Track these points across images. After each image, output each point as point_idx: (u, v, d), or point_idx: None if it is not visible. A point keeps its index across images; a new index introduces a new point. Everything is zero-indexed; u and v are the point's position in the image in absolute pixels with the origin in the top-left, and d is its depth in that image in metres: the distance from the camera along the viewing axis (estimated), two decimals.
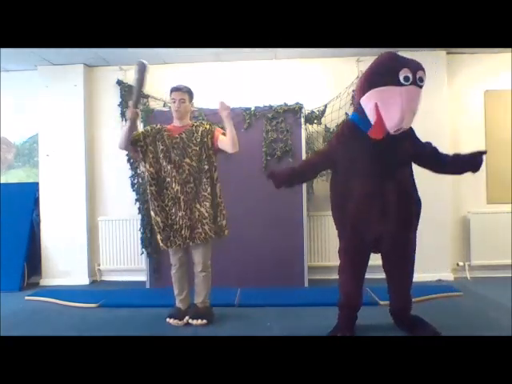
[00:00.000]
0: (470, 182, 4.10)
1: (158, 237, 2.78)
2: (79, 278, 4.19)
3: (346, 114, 4.13)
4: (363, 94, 2.29)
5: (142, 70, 2.60)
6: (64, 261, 4.18)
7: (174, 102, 2.76)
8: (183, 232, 2.71)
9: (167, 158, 2.74)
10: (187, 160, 2.73)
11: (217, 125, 2.97)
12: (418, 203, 2.46)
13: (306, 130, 3.97)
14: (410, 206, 2.40)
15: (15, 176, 4.51)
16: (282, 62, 4.24)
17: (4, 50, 3.58)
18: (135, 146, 2.78)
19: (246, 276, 3.71)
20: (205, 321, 2.75)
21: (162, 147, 2.75)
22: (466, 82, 4.17)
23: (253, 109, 3.90)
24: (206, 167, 2.76)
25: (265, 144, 3.86)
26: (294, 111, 3.88)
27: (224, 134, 2.77)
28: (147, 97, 4.21)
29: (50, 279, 4.19)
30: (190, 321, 2.77)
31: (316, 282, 3.93)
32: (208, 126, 2.83)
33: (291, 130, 3.87)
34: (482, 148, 4.06)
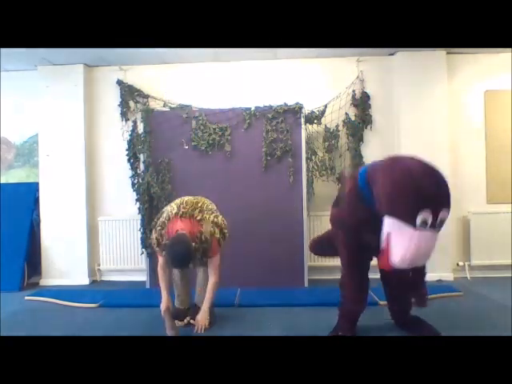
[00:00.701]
0: (470, 182, 4.10)
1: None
2: (79, 278, 4.19)
3: (346, 114, 4.14)
4: (383, 209, 2.03)
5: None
6: (64, 261, 4.19)
7: None
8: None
9: None
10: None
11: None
12: None
13: (305, 130, 3.97)
14: None
15: (15, 176, 4.50)
16: (282, 61, 4.24)
17: (4, 50, 3.58)
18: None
19: (246, 276, 3.71)
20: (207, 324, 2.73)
21: None
22: (466, 82, 4.17)
23: (253, 109, 3.90)
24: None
25: (265, 144, 3.86)
26: (294, 111, 3.88)
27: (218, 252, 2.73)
28: (147, 97, 4.21)
29: (49, 279, 4.19)
30: (192, 321, 2.76)
31: (316, 282, 3.93)
32: (207, 236, 2.64)
33: (291, 130, 3.87)
34: (481, 148, 4.13)
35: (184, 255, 2.45)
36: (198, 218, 2.65)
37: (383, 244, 2.04)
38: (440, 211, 1.93)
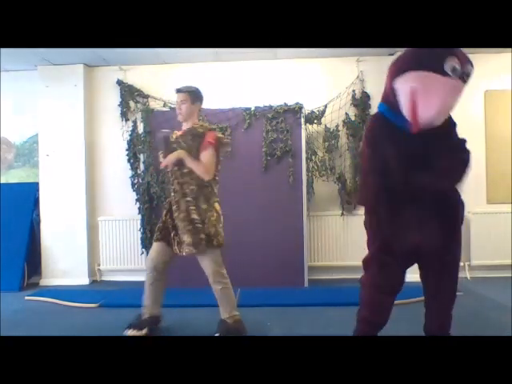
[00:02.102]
0: (470, 182, 4.10)
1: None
2: (79, 278, 4.20)
3: (346, 114, 4.14)
4: (398, 75, 1.93)
5: (166, 140, 2.58)
6: (64, 261, 4.19)
7: (177, 104, 2.66)
8: (170, 236, 2.58)
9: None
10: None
11: (214, 128, 2.84)
12: (461, 206, 2.12)
13: (305, 130, 3.98)
14: (450, 210, 2.04)
15: (15, 176, 4.51)
16: (282, 61, 4.25)
17: (4, 50, 3.58)
18: None
19: (246, 276, 3.71)
20: (217, 334, 2.52)
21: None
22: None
23: (253, 109, 3.90)
24: (193, 174, 2.53)
25: (265, 144, 3.86)
26: (294, 111, 3.89)
27: (211, 144, 2.55)
28: (147, 97, 4.21)
29: (49, 279, 4.20)
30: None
31: (316, 282, 3.93)
32: (201, 130, 2.59)
33: (291, 130, 3.87)
34: (481, 148, 4.13)
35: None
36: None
37: (405, 104, 1.87)
38: (466, 63, 1.85)
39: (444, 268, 2.03)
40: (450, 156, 2.05)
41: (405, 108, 1.89)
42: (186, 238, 2.48)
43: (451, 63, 1.80)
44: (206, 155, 2.51)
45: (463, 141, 2.17)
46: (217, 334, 2.54)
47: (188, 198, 2.53)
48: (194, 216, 2.50)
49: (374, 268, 2.07)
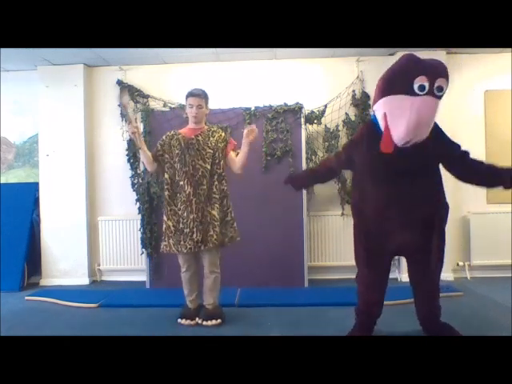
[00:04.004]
0: None
1: (170, 241, 2.75)
2: (79, 278, 4.19)
3: (346, 114, 4.14)
4: (375, 102, 2.14)
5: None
6: (64, 261, 4.19)
7: (192, 108, 2.77)
8: (194, 236, 2.68)
9: (182, 160, 2.74)
10: (201, 162, 2.74)
11: (229, 134, 3.14)
12: (444, 207, 2.25)
13: (305, 130, 3.97)
14: (432, 210, 2.19)
15: (15, 176, 4.50)
16: (281, 61, 4.24)
17: (4, 50, 3.58)
18: (160, 160, 2.83)
19: (246, 276, 3.71)
20: (219, 320, 2.77)
21: (177, 151, 2.76)
22: (466, 82, 4.17)
23: (253, 109, 3.90)
24: (219, 171, 2.79)
25: (265, 144, 3.86)
26: (294, 111, 3.88)
27: (234, 150, 2.85)
28: (147, 97, 4.21)
29: (49, 279, 4.19)
30: (205, 323, 2.75)
31: (316, 282, 3.93)
32: (223, 134, 2.88)
33: (291, 130, 3.87)
34: (481, 148, 4.13)
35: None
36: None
37: (382, 126, 2.05)
38: (437, 78, 1.94)
39: (424, 257, 2.22)
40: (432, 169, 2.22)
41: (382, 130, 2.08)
42: (197, 236, 2.68)
43: (419, 83, 1.93)
44: (245, 156, 2.77)
45: (457, 146, 2.28)
46: (198, 320, 2.79)
47: (215, 196, 2.75)
48: (218, 213, 2.75)
49: (362, 265, 2.32)
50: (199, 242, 2.68)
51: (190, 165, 2.72)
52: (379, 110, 2.09)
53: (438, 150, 2.18)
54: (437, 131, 2.21)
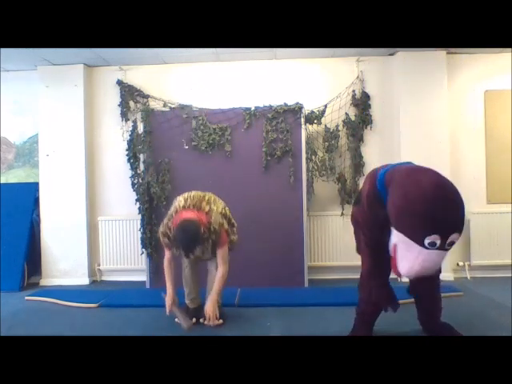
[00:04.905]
0: (470, 182, 4.10)
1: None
2: (79, 278, 4.19)
3: (346, 114, 4.14)
4: (394, 219, 1.97)
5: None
6: (64, 261, 4.19)
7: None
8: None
9: None
10: None
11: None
12: None
13: (305, 130, 3.97)
14: None
15: (15, 176, 4.50)
16: (282, 61, 4.24)
17: (4, 50, 3.58)
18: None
19: (246, 276, 3.71)
20: (221, 321, 2.75)
21: None
22: (466, 82, 4.17)
23: (253, 109, 3.90)
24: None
25: (265, 144, 3.86)
26: (294, 111, 3.88)
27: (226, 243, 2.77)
28: (147, 97, 4.21)
29: (49, 279, 4.19)
30: (206, 322, 2.71)
31: (316, 282, 3.93)
32: (216, 227, 2.67)
33: (291, 130, 3.87)
34: (481, 148, 4.13)
35: (192, 235, 2.47)
36: (206, 209, 2.65)
37: (391, 252, 2.00)
38: (451, 234, 1.84)
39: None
40: None
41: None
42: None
43: (431, 240, 1.82)
44: (224, 252, 2.73)
45: None
46: (202, 320, 2.75)
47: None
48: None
49: (370, 266, 2.31)
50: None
51: None
52: (393, 235, 1.99)
53: None
54: None
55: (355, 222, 2.43)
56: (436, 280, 2.42)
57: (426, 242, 1.81)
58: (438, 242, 1.82)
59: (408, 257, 1.89)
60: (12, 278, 3.97)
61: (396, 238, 1.95)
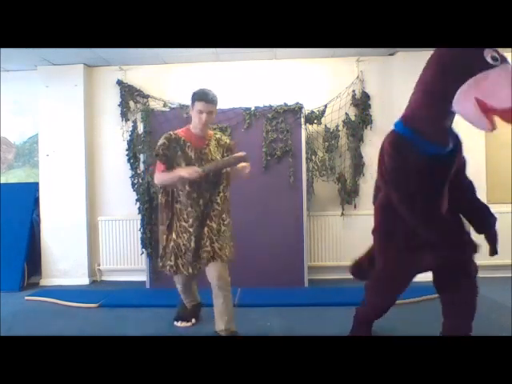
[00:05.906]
0: None
1: (178, 261, 2.48)
2: (79, 278, 4.19)
3: (346, 114, 4.14)
4: (442, 95, 1.90)
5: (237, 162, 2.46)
6: (64, 261, 4.19)
7: (201, 114, 2.40)
8: (206, 255, 2.42)
9: None
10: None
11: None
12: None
13: (305, 130, 3.97)
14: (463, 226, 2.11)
15: (15, 176, 4.51)
16: (282, 61, 4.25)
17: (4, 50, 3.58)
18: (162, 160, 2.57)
19: (246, 276, 3.71)
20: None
21: (184, 162, 2.45)
22: None
23: (253, 109, 3.90)
24: (223, 183, 2.55)
25: (265, 144, 3.86)
26: (294, 111, 3.89)
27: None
28: (147, 97, 4.21)
29: (49, 279, 4.19)
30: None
31: (316, 282, 3.93)
32: (228, 141, 2.64)
33: (291, 130, 3.87)
34: (481, 148, 4.12)
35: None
36: None
37: (477, 115, 1.89)
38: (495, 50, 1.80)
39: (456, 275, 2.12)
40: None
41: (475, 121, 1.95)
42: (209, 254, 2.44)
43: (489, 54, 1.78)
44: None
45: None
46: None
47: (218, 208, 2.49)
48: (218, 227, 2.49)
49: (387, 281, 2.16)
50: (211, 258, 2.42)
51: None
52: (464, 101, 1.87)
53: (459, 162, 2.11)
54: (460, 142, 2.12)
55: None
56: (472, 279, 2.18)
57: (488, 58, 1.77)
58: (497, 54, 1.79)
59: (499, 88, 1.76)
60: (12, 277, 3.97)
61: (469, 94, 1.82)
